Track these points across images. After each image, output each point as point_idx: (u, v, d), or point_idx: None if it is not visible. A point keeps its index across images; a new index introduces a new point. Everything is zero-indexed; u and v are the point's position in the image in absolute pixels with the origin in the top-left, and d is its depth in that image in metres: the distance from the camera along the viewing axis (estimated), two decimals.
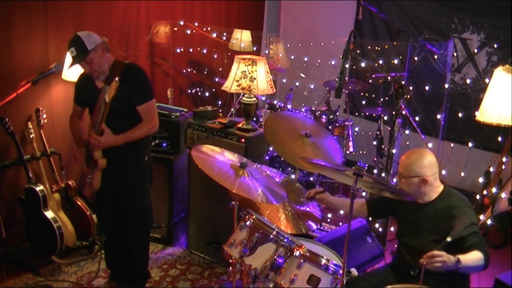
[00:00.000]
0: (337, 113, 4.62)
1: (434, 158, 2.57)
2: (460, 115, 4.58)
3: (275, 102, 4.89)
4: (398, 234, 2.76)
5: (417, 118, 4.57)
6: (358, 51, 4.83)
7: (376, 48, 5.17)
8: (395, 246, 2.87)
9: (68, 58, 3.67)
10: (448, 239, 2.26)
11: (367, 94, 5.37)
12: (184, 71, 5.21)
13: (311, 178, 4.75)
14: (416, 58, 5.06)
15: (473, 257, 2.28)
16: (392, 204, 2.74)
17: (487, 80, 3.74)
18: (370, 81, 5.17)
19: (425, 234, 2.52)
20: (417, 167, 2.51)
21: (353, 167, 2.22)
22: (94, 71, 2.91)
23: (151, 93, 3.02)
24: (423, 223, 2.54)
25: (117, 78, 2.76)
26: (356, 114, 5.55)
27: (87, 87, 3.05)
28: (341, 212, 4.09)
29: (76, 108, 3.20)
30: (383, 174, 3.92)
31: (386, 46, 5.06)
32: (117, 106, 2.87)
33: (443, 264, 2.16)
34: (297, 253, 2.32)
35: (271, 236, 2.42)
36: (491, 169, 4.06)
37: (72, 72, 3.67)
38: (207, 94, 5.23)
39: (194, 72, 5.33)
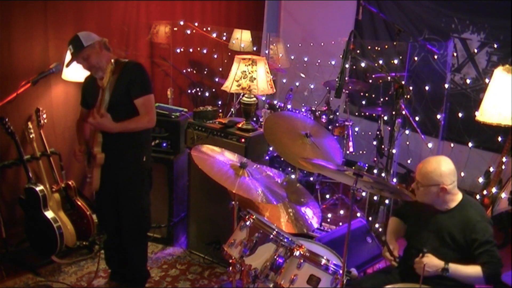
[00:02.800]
0: (337, 113, 4.62)
1: (452, 166, 2.53)
2: (460, 115, 4.58)
3: (275, 102, 4.89)
4: (407, 236, 2.74)
5: (417, 118, 4.57)
6: (358, 51, 4.82)
7: (376, 48, 5.17)
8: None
9: (68, 57, 3.69)
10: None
11: (367, 94, 5.37)
12: (184, 71, 5.21)
13: (311, 178, 4.75)
14: (416, 58, 5.06)
15: (468, 270, 2.37)
16: (413, 206, 2.72)
17: (487, 80, 3.74)
18: (370, 81, 5.17)
19: (438, 241, 2.51)
20: (436, 175, 2.47)
21: (353, 167, 2.22)
22: (92, 66, 2.97)
23: (149, 88, 3.03)
24: (439, 230, 2.53)
25: (112, 60, 2.85)
26: (356, 114, 5.55)
27: (90, 88, 3.10)
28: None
29: (82, 111, 3.24)
30: (383, 174, 3.91)
31: (386, 46, 5.06)
32: (116, 100, 2.91)
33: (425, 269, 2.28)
34: (297, 253, 2.32)
35: (271, 236, 2.42)
36: (491, 169, 4.06)
37: (72, 72, 3.68)
38: (207, 94, 5.23)
39: (194, 72, 5.34)
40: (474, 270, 2.38)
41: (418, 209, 2.65)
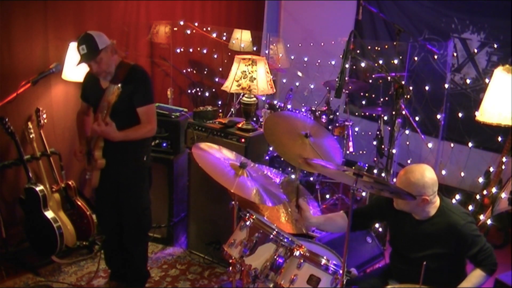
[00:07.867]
0: (337, 113, 4.62)
1: (435, 175, 2.47)
2: (460, 115, 4.58)
3: (275, 102, 4.90)
4: (392, 244, 2.73)
5: (417, 118, 4.57)
6: (358, 51, 4.82)
7: (376, 48, 5.17)
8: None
9: (70, 55, 3.69)
10: None
11: (367, 94, 5.37)
12: (184, 71, 5.21)
13: (311, 178, 4.75)
14: (416, 58, 5.06)
15: (473, 280, 2.37)
16: (378, 215, 2.73)
17: (487, 80, 3.75)
18: (370, 81, 5.17)
19: (423, 249, 2.49)
20: (419, 186, 2.41)
21: (353, 167, 2.22)
22: (102, 71, 2.93)
23: (152, 96, 3.04)
24: (422, 238, 2.51)
25: (119, 85, 2.79)
26: (356, 114, 5.55)
27: (92, 86, 3.07)
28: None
29: (83, 104, 3.23)
30: (383, 174, 3.91)
31: (386, 46, 5.06)
32: (118, 107, 2.89)
33: None
34: (297, 253, 2.32)
35: (271, 236, 2.42)
36: (491, 169, 4.06)
37: (72, 72, 3.68)
38: (207, 94, 5.23)
39: (194, 72, 5.34)
40: (476, 275, 2.37)
41: (398, 216, 2.60)
